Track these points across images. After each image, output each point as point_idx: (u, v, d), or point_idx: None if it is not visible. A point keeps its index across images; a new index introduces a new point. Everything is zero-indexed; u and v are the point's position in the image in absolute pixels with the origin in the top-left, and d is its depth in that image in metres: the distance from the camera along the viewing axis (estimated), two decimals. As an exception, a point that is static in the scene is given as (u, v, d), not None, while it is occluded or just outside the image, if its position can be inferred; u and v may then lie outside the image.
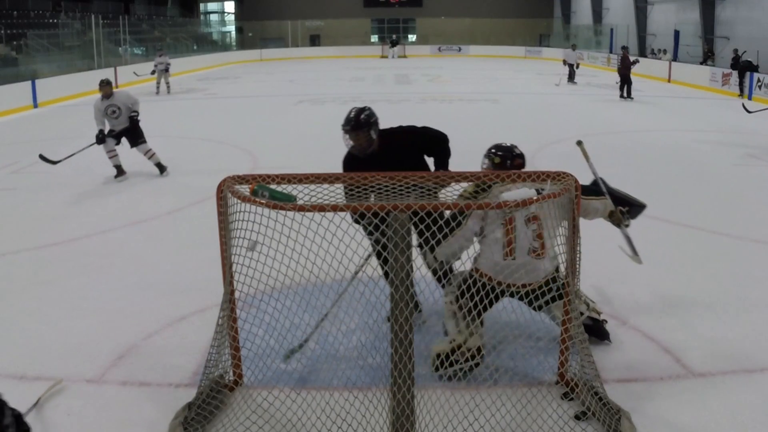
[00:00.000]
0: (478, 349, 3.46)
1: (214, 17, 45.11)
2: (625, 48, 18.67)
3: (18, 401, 3.39)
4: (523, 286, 3.55)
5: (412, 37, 43.14)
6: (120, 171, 8.23)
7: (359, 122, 4.05)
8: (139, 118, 8.25)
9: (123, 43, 27.08)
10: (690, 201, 7.28)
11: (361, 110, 4.11)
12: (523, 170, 3.65)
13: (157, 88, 18.96)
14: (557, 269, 3.61)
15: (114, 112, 8.07)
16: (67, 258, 5.60)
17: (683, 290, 4.79)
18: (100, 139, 8.07)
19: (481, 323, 3.50)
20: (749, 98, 17.23)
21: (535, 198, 3.05)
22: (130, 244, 5.90)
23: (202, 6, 43.93)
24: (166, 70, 19.10)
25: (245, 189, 3.19)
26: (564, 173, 3.25)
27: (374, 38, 42.78)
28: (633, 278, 4.98)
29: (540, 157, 9.61)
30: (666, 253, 5.57)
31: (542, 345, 3.73)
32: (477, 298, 3.31)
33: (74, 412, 3.30)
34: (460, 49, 39.59)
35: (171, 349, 3.94)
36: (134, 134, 8.23)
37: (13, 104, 14.94)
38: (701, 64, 20.54)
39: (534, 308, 3.67)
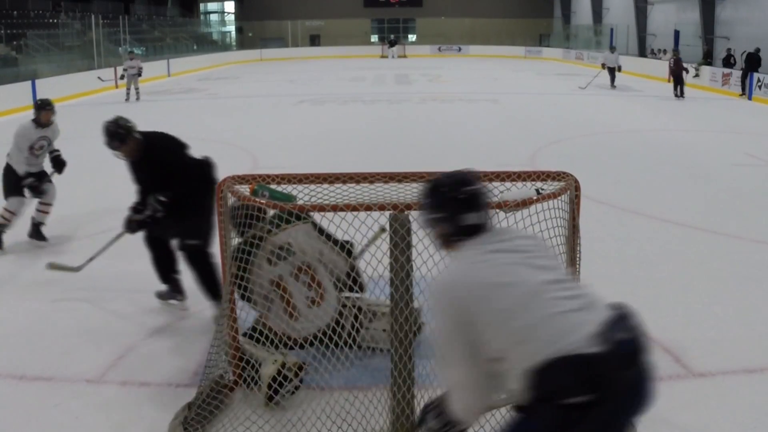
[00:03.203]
0: (300, 367, 3.32)
1: (214, 17, 45.13)
2: (676, 50, 18.85)
3: (18, 401, 3.41)
4: (315, 336, 3.42)
5: (412, 37, 43.15)
6: None
7: (121, 135, 3.94)
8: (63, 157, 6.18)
9: (123, 43, 27.07)
10: (690, 201, 7.28)
11: (115, 123, 3.96)
12: (523, 170, 3.64)
13: (127, 94, 17.26)
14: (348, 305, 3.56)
15: (42, 147, 5.95)
16: (66, 258, 5.60)
17: (683, 290, 4.79)
18: (36, 188, 5.90)
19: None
20: (749, 98, 17.22)
21: (535, 198, 3.03)
22: (130, 244, 5.88)
23: (202, 6, 43.95)
24: (139, 74, 17.39)
25: (245, 189, 3.19)
26: (564, 173, 3.24)
27: (374, 38, 42.78)
28: (633, 278, 4.99)
29: (540, 157, 9.62)
30: (666, 253, 5.58)
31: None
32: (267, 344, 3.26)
33: (74, 412, 3.30)
34: (460, 49, 39.60)
35: (171, 349, 3.94)
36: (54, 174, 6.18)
37: (13, 104, 14.91)
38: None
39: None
